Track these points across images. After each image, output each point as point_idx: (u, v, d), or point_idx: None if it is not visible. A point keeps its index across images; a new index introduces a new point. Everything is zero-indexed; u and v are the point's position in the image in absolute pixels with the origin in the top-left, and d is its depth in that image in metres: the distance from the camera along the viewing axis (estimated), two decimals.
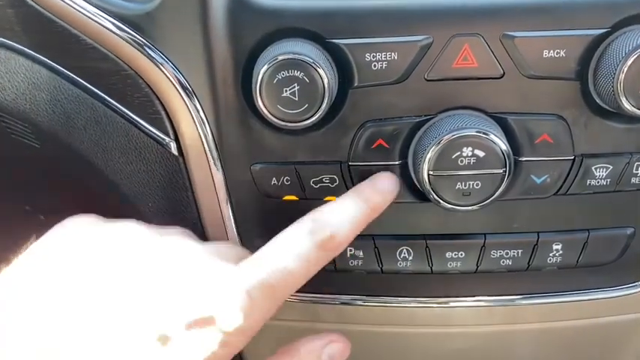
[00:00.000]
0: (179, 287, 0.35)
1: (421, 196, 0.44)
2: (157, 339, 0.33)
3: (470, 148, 0.40)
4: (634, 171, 0.43)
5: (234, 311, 0.35)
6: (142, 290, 0.35)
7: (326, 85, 0.39)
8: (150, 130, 0.46)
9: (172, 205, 0.48)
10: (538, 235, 0.46)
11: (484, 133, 0.40)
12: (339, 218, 0.40)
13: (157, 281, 0.36)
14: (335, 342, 0.41)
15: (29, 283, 0.36)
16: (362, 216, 0.41)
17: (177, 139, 0.45)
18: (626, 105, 0.39)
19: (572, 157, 0.43)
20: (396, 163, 0.44)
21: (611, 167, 0.43)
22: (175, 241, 0.39)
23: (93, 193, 0.72)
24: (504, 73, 0.41)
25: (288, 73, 0.39)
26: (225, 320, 0.34)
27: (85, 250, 0.38)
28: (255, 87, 0.39)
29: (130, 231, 0.40)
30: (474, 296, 0.49)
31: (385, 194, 0.42)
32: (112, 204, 0.65)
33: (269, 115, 0.40)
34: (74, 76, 0.48)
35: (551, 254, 0.46)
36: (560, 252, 0.46)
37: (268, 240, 0.48)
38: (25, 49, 0.49)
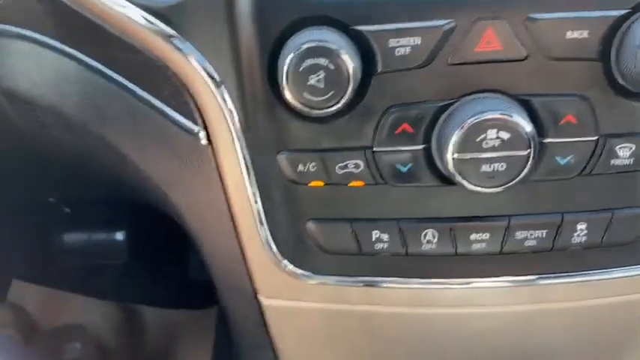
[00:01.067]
0: None
1: (445, 179, 0.45)
2: None
3: (495, 131, 0.41)
4: None
5: None
6: None
7: (351, 72, 0.40)
8: (179, 120, 0.47)
9: (202, 192, 0.50)
10: (562, 216, 0.46)
11: (509, 115, 0.41)
12: None
13: None
14: None
15: None
16: None
17: (206, 128, 0.46)
18: None
19: (596, 138, 0.43)
20: (420, 147, 0.44)
21: (635, 147, 0.43)
22: None
23: (120, 184, 0.74)
24: (528, 55, 0.41)
25: (314, 60, 0.39)
26: None
27: None
28: (282, 75, 0.40)
29: None
30: (498, 277, 0.49)
31: None
32: (139, 192, 0.66)
33: (295, 103, 0.41)
34: (103, 69, 0.49)
35: (575, 234, 0.47)
36: (585, 232, 0.47)
37: (296, 226, 0.49)
38: (54, 43, 0.51)
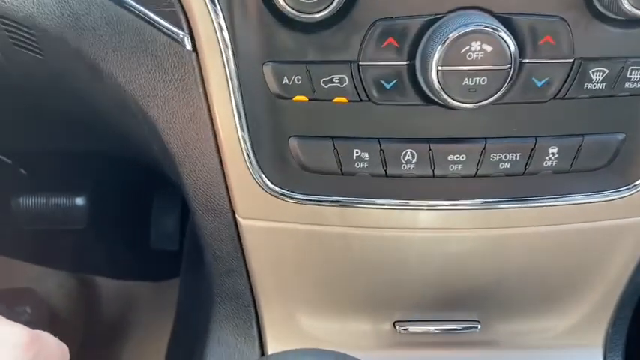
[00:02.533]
0: None
1: (427, 98, 0.46)
2: None
3: (478, 43, 0.42)
4: (628, 75, 0.46)
5: None
6: None
7: None
8: (163, 25, 0.46)
9: (183, 105, 0.49)
10: (536, 140, 0.48)
11: (493, 29, 0.42)
12: None
13: None
14: None
15: None
16: None
17: (191, 35, 0.46)
18: (626, 5, 0.41)
19: (572, 60, 0.45)
20: (405, 63, 0.45)
21: (607, 71, 0.45)
22: None
23: (93, 119, 0.72)
24: None
25: None
26: None
27: None
28: None
29: None
30: (471, 199, 0.51)
31: None
32: (112, 123, 0.65)
33: (284, 5, 0.41)
34: None
35: (547, 158, 0.49)
36: (556, 156, 0.48)
37: (278, 142, 0.49)
38: None
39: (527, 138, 0.48)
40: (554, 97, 0.46)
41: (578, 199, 0.51)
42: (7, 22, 0.54)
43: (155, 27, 0.46)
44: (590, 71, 0.46)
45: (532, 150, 0.48)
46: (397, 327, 0.62)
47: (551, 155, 0.49)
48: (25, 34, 0.55)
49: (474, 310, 0.62)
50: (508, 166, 0.49)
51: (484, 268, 0.57)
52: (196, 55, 0.46)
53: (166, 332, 1.06)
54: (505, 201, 0.51)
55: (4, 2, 0.52)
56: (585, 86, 0.46)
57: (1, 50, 0.61)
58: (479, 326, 0.62)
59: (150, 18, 0.46)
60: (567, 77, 0.46)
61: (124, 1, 0.47)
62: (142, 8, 0.46)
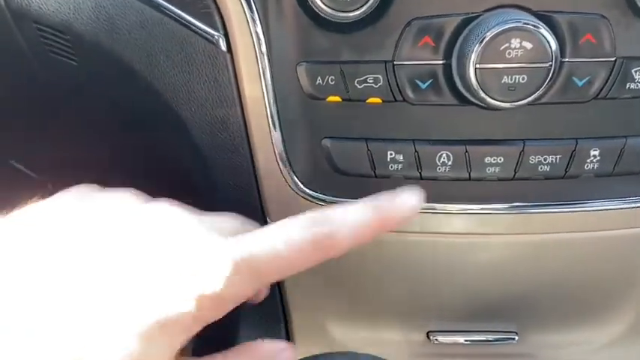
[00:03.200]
0: (167, 262, 0.35)
1: (463, 99, 0.45)
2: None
3: (518, 40, 0.41)
4: None
5: (216, 276, 0.34)
6: (128, 266, 0.34)
7: None
8: (199, 27, 0.46)
9: (217, 105, 0.49)
10: (576, 142, 0.47)
11: (534, 26, 0.41)
12: (343, 219, 0.37)
13: (144, 255, 0.35)
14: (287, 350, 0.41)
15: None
16: (369, 224, 0.38)
17: (225, 36, 0.46)
18: None
19: (614, 59, 0.44)
20: (440, 62, 0.45)
21: None
22: (166, 211, 0.38)
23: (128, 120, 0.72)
24: None
25: None
26: (204, 283, 0.33)
27: (66, 224, 0.37)
28: None
29: (120, 203, 0.39)
30: (509, 203, 0.49)
31: (403, 209, 0.39)
32: (141, 124, 0.65)
33: (320, 3, 0.41)
34: None
35: (588, 160, 0.47)
36: (598, 158, 0.47)
37: (311, 144, 0.49)
38: None
39: (567, 140, 0.47)
40: (595, 98, 0.45)
41: (620, 203, 0.49)
42: (42, 27, 0.55)
43: (190, 29, 0.46)
44: (633, 70, 0.44)
45: (573, 152, 0.47)
46: (431, 337, 0.60)
47: (592, 157, 0.47)
48: (59, 40, 0.56)
49: (511, 321, 0.60)
50: (548, 169, 0.47)
51: (521, 275, 0.55)
52: (230, 55, 0.46)
53: (189, 342, 1.05)
54: (543, 205, 0.49)
55: (41, 8, 0.53)
56: (628, 86, 0.45)
57: (36, 56, 0.62)
58: (516, 337, 0.60)
59: (185, 20, 0.46)
60: (609, 77, 0.44)
61: (161, 5, 0.47)
62: (178, 11, 0.47)
